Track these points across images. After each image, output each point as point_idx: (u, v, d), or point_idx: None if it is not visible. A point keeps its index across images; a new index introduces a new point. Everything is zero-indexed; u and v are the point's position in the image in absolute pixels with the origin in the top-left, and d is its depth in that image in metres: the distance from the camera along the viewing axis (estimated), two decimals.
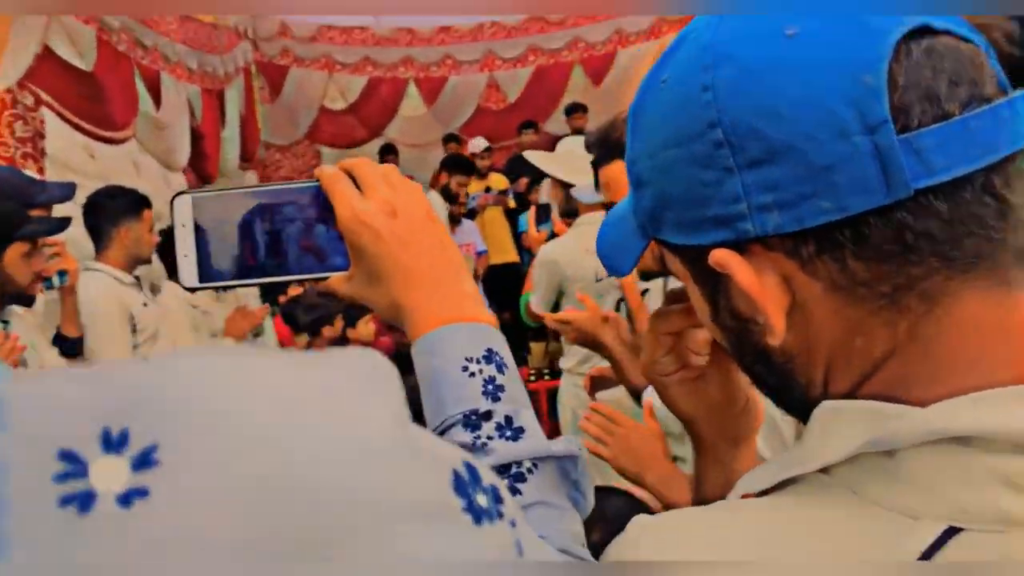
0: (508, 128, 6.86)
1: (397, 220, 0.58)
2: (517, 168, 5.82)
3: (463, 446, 0.52)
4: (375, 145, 7.10)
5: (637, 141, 0.48)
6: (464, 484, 0.33)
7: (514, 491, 0.51)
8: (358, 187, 0.59)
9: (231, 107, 6.16)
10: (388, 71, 7.40)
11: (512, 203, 5.86)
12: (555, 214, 3.65)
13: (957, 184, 0.37)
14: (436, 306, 0.57)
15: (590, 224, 2.56)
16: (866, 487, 0.40)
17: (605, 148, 1.71)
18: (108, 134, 4.20)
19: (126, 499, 0.25)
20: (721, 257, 0.42)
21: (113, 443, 0.26)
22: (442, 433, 0.54)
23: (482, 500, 0.33)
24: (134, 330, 2.76)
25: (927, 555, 0.37)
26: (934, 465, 0.38)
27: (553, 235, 3.18)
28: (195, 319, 3.18)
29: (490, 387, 0.55)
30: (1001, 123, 0.38)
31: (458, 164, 5.31)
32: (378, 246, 0.57)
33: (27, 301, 2.08)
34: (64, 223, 2.16)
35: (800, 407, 0.45)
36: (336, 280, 0.61)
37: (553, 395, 3.20)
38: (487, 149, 6.12)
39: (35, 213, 2.23)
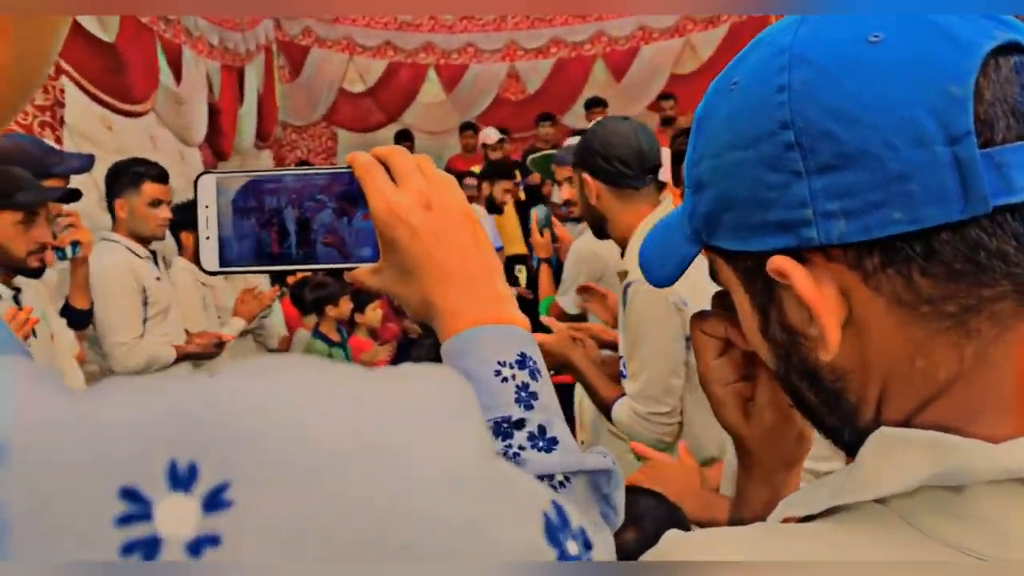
0: (526, 119, 6.82)
1: (432, 214, 0.55)
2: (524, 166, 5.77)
3: None
4: (391, 131, 7.08)
5: (701, 142, 0.46)
6: (555, 529, 0.31)
7: None
8: (391, 177, 0.57)
9: (250, 85, 6.15)
10: (409, 56, 7.38)
11: (523, 195, 5.84)
12: (554, 216, 3.62)
13: None
14: (468, 306, 0.54)
15: None
16: (925, 521, 0.38)
17: (578, 157, 1.76)
18: (127, 107, 4.20)
19: (196, 548, 0.23)
20: (780, 264, 0.41)
21: (181, 479, 0.24)
22: None
23: (573, 548, 0.31)
24: (145, 303, 2.77)
25: None
26: (1008, 506, 0.36)
27: (554, 237, 3.14)
28: (205, 296, 3.18)
29: (523, 394, 0.52)
30: None
31: (499, 171, 5.16)
32: (412, 241, 0.55)
33: (31, 273, 2.07)
34: (70, 194, 2.16)
35: (844, 432, 0.44)
36: (363, 272, 0.58)
37: (569, 390, 3.17)
38: (500, 140, 6.08)
39: (52, 183, 2.22)
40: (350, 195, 0.58)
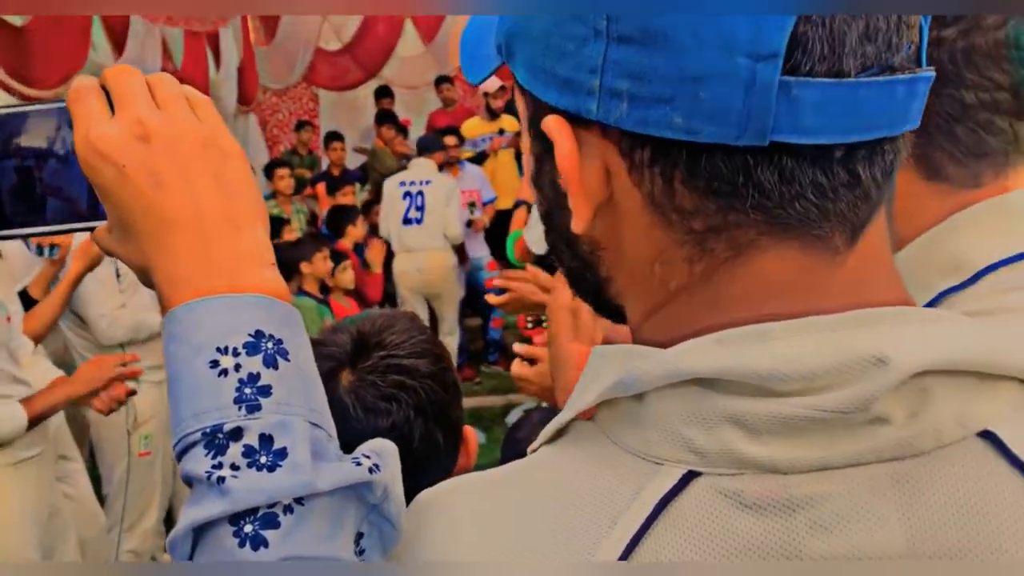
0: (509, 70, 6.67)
1: (150, 147, 0.44)
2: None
3: (194, 479, 0.40)
4: (372, 87, 6.97)
5: None
6: None
7: (256, 544, 0.39)
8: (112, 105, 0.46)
9: (227, 49, 6.03)
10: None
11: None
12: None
13: (816, 148, 0.33)
14: (194, 269, 0.43)
15: None
16: (616, 431, 0.38)
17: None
18: (34, 92, 4.06)
19: None
20: (551, 125, 0.38)
21: None
22: (180, 457, 0.41)
23: None
24: (117, 275, 2.76)
25: (666, 500, 0.35)
26: (675, 408, 0.36)
27: None
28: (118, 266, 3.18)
29: (248, 390, 0.40)
30: (893, 101, 0.34)
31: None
32: (120, 184, 0.43)
33: None
34: None
35: (595, 299, 0.44)
36: (101, 231, 0.48)
37: None
38: (501, 87, 5.84)
39: None
40: (70, 135, 0.47)
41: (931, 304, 0.62)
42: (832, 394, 0.33)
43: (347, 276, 3.67)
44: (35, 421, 1.99)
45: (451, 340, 4.71)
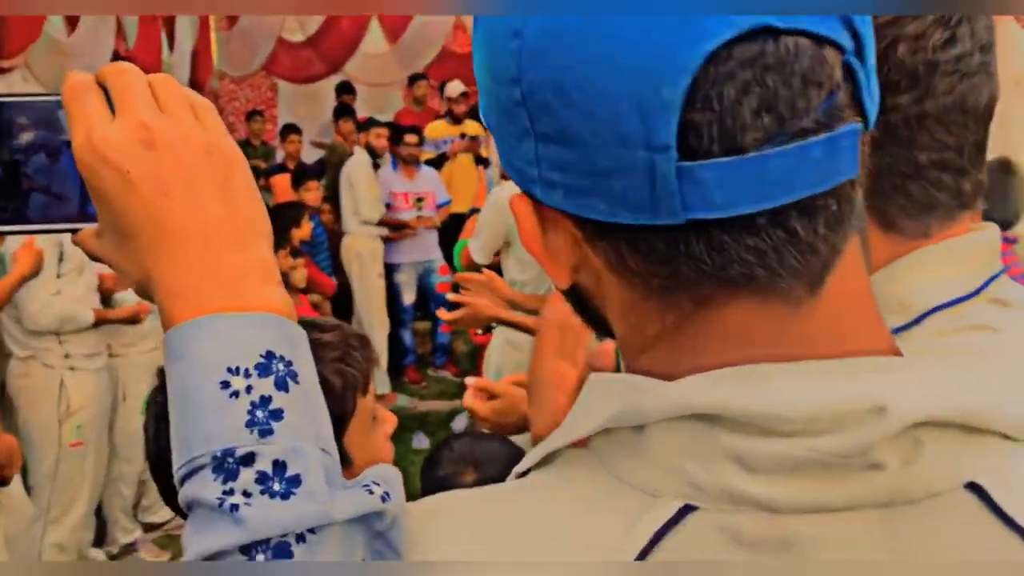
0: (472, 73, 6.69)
1: (155, 154, 0.42)
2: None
3: (200, 505, 0.39)
4: (334, 82, 6.89)
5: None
6: None
7: None
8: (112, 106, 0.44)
9: (183, 32, 5.89)
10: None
11: (485, 151, 5.77)
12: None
13: (744, 216, 0.34)
14: (199, 283, 0.42)
15: None
16: (615, 462, 0.39)
17: None
18: None
19: None
20: (515, 205, 0.40)
21: None
22: (184, 480, 0.40)
23: None
24: (60, 258, 2.68)
25: (661, 533, 0.35)
26: (674, 442, 0.36)
27: None
28: None
29: (260, 413, 0.39)
30: (808, 163, 0.33)
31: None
32: (122, 191, 0.42)
33: None
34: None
35: (595, 324, 0.45)
36: (87, 234, 0.46)
37: None
38: (464, 94, 5.96)
39: None
40: (63, 131, 0.45)
41: None
42: (832, 438, 0.34)
43: (298, 275, 3.63)
44: None
45: None
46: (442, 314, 1.88)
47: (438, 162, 5.65)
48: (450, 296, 1.87)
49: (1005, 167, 2.56)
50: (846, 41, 0.34)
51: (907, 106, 0.63)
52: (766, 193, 0.33)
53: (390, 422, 0.99)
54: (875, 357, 0.37)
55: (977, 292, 0.66)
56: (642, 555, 0.35)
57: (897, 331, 0.67)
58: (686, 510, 0.36)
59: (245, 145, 6.31)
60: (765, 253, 0.35)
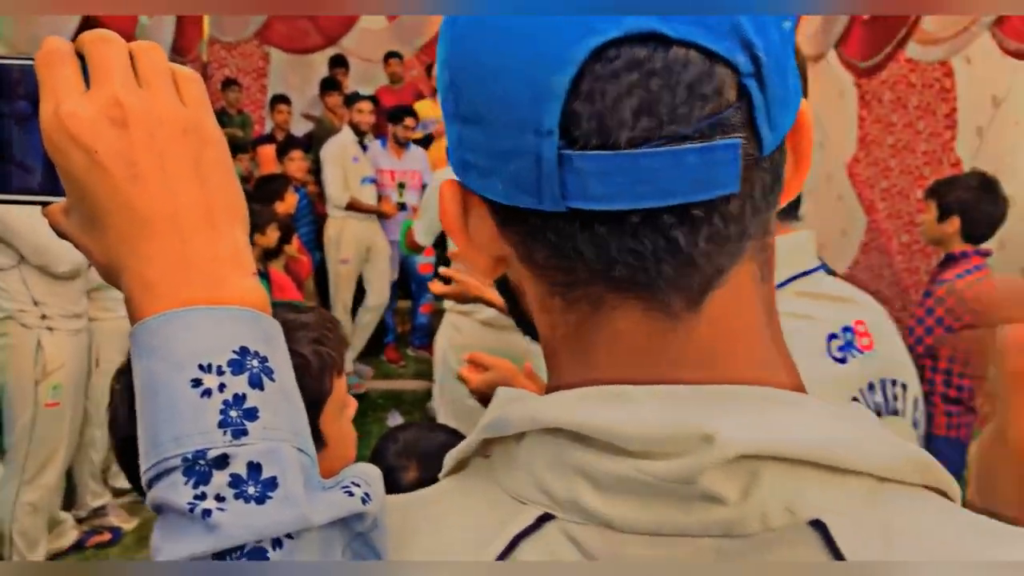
0: None
1: (127, 133, 0.40)
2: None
3: (170, 509, 0.37)
4: (329, 54, 6.82)
5: None
6: None
7: None
8: (87, 77, 0.41)
9: None
10: None
11: None
12: None
13: (620, 214, 0.35)
14: (170, 273, 0.40)
15: None
16: (499, 472, 0.41)
17: None
18: None
19: None
20: (442, 187, 0.41)
21: None
22: (153, 482, 0.38)
23: None
24: None
25: (520, 537, 0.37)
26: (539, 453, 0.38)
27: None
28: None
29: (233, 413, 0.37)
30: (684, 169, 0.34)
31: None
32: (90, 172, 0.39)
33: None
34: None
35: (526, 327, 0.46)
36: (56, 210, 0.43)
37: None
38: None
39: None
40: (35, 99, 0.41)
41: None
42: (663, 463, 0.35)
43: (291, 246, 3.63)
44: None
45: None
46: (434, 287, 1.94)
47: (425, 142, 5.63)
48: (443, 270, 1.94)
49: (986, 183, 2.60)
50: (742, 61, 0.34)
51: None
52: (641, 192, 0.34)
53: (352, 406, 1.01)
54: (734, 386, 0.37)
55: (780, 286, 0.73)
56: (500, 558, 0.37)
57: None
58: (545, 518, 0.37)
59: (221, 115, 6.22)
60: (644, 257, 0.36)
